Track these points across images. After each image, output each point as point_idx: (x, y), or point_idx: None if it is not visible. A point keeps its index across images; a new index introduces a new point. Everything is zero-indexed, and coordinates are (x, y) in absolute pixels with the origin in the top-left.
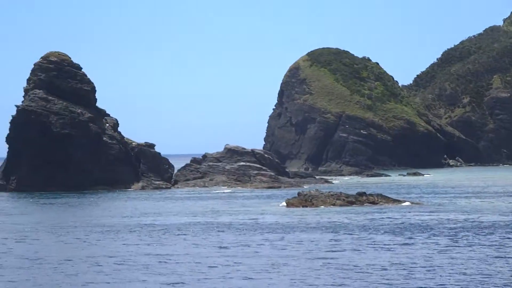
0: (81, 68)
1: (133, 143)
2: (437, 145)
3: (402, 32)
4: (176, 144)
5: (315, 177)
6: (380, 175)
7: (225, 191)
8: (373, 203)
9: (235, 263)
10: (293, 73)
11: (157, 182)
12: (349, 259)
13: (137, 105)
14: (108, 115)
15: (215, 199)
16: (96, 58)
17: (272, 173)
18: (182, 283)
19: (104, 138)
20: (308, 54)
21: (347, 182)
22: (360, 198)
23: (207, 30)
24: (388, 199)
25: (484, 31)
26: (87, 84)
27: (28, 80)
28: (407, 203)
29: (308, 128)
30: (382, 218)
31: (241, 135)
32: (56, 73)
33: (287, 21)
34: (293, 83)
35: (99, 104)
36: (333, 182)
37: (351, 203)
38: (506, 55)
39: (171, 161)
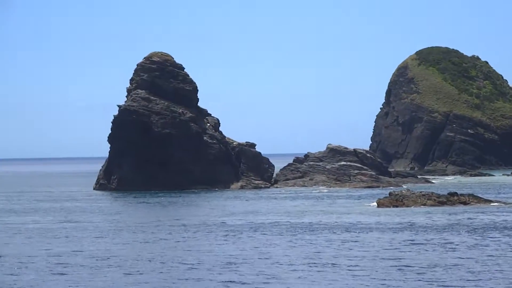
0: (184, 68)
1: (234, 143)
2: None
3: None
4: (281, 144)
5: (416, 177)
6: (484, 174)
7: (322, 191)
8: (464, 203)
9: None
10: (401, 72)
11: (257, 182)
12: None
13: (242, 104)
14: (210, 114)
15: (308, 199)
16: (201, 57)
17: (373, 173)
18: (243, 282)
19: (205, 138)
20: (417, 53)
21: (448, 181)
22: (451, 198)
23: (316, 29)
24: (479, 199)
25: None
26: (189, 84)
27: (131, 80)
28: (497, 204)
29: (415, 127)
30: (469, 218)
31: (348, 135)
32: (159, 73)
33: (397, 20)
34: (401, 82)
35: (202, 104)
36: (434, 182)
37: (442, 203)
38: None
39: (274, 160)
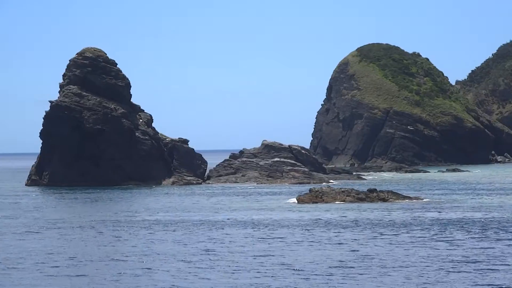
0: (116, 64)
1: (167, 139)
2: (485, 141)
3: (458, 27)
4: (225, 141)
5: (351, 173)
6: (419, 171)
7: (250, 187)
8: (383, 199)
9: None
10: (342, 68)
11: (189, 178)
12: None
13: (183, 100)
14: (143, 110)
15: (232, 195)
16: (136, 54)
17: (306, 169)
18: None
19: (137, 134)
20: (358, 49)
21: (381, 178)
22: (370, 195)
23: (255, 24)
24: (398, 196)
25: None
26: (122, 80)
27: (63, 76)
28: (416, 200)
29: (355, 123)
30: (378, 214)
31: (290, 131)
32: (91, 69)
33: (338, 17)
34: (341, 78)
35: (138, 100)
36: (367, 178)
37: (361, 200)
38: None
39: (216, 157)
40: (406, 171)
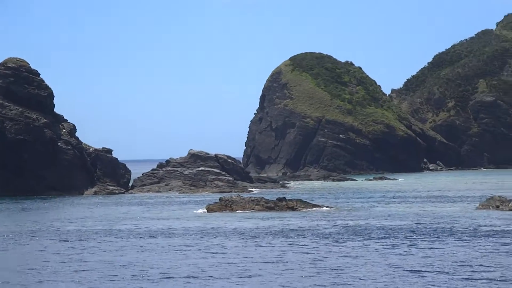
0: (39, 74)
1: (90, 149)
2: (417, 150)
3: (394, 37)
4: (159, 151)
5: (277, 182)
6: (346, 179)
7: (171, 196)
8: (292, 208)
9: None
10: (275, 77)
11: (112, 187)
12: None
13: (117, 112)
14: (66, 120)
15: (147, 204)
16: (60, 64)
17: (231, 178)
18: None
19: (59, 144)
20: (291, 58)
21: (306, 186)
22: (279, 204)
23: (183, 33)
24: (307, 204)
25: (476, 35)
26: (45, 90)
27: None
28: (324, 208)
29: (287, 132)
30: (277, 223)
31: (225, 140)
32: (13, 79)
33: (271, 26)
34: (274, 87)
35: (63, 111)
36: (292, 187)
37: (270, 209)
38: (496, 59)
39: (144, 166)
40: (333, 180)
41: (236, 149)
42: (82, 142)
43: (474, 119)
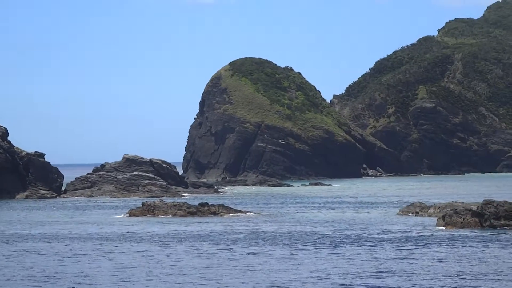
0: None
1: (23, 153)
2: (357, 155)
3: (337, 42)
4: (95, 155)
5: (212, 187)
6: (282, 185)
7: (100, 200)
8: (214, 213)
9: None
10: (215, 82)
11: (43, 192)
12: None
13: (56, 116)
14: None
15: (67, 209)
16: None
17: (164, 183)
18: None
19: None
20: (231, 63)
21: (240, 191)
22: (201, 209)
23: (122, 33)
24: (230, 210)
25: (417, 41)
26: None
27: None
28: (246, 214)
29: (227, 137)
30: (195, 227)
31: (165, 145)
32: None
33: (211, 31)
34: (214, 92)
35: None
36: (226, 192)
37: (192, 214)
38: (437, 65)
39: (82, 170)
40: (269, 185)
41: (177, 154)
42: (14, 146)
43: (414, 125)
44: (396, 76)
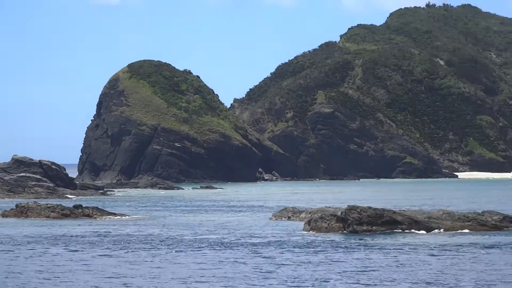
0: None
1: None
2: (253, 159)
3: (239, 46)
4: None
5: (102, 189)
6: (173, 188)
7: None
8: (88, 216)
9: None
10: (113, 84)
11: None
12: None
13: None
14: None
15: None
16: None
17: (51, 185)
18: None
19: None
20: (129, 66)
21: (128, 194)
22: (75, 211)
23: (15, 33)
24: (103, 212)
25: (319, 46)
26: None
27: None
28: (118, 217)
29: (123, 139)
30: (58, 229)
31: (62, 146)
32: None
33: (109, 33)
34: (112, 94)
35: None
36: (110, 194)
37: (66, 216)
38: (338, 71)
39: None
40: (160, 188)
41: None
42: None
43: (312, 130)
44: (297, 81)
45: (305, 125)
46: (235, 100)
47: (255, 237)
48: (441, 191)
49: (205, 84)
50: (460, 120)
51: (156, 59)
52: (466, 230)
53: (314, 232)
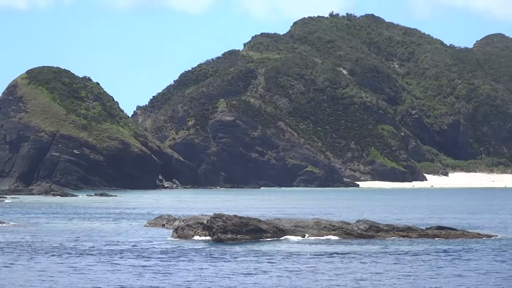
0: None
1: None
2: (152, 167)
3: (144, 53)
4: None
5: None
6: (66, 195)
7: None
8: None
9: None
10: (11, 90)
11: None
12: None
13: None
14: None
15: None
16: None
17: None
18: None
19: None
20: (28, 72)
21: (20, 201)
22: None
23: None
24: None
25: (222, 54)
26: None
27: None
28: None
29: (21, 146)
30: None
31: None
32: None
33: (8, 38)
34: (10, 100)
35: None
36: (7, 201)
37: None
38: (241, 79)
39: None
40: (54, 195)
41: None
42: None
43: (213, 138)
44: (200, 89)
45: (207, 133)
46: (138, 108)
47: (116, 244)
48: (331, 200)
49: (105, 91)
50: (362, 129)
51: (56, 66)
52: (332, 238)
53: (179, 240)
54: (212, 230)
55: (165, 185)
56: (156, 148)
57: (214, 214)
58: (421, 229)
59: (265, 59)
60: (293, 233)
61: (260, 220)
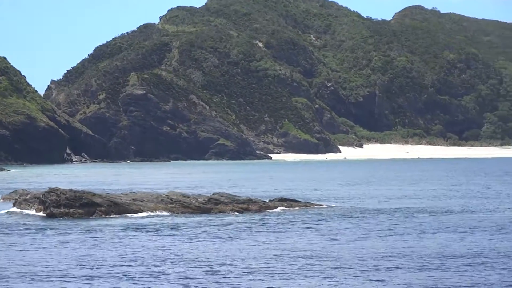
0: None
1: None
2: (60, 141)
3: (58, 27)
4: None
5: None
6: None
7: None
8: None
9: None
10: None
11: None
12: None
13: None
14: None
15: None
16: None
17: None
18: None
19: None
20: None
21: None
22: None
23: None
24: None
25: (138, 28)
26: None
27: None
28: None
29: None
30: None
31: None
32: None
33: None
34: None
35: None
36: None
37: None
38: (155, 52)
39: None
40: None
41: None
42: None
43: (124, 112)
44: (114, 63)
45: (117, 106)
46: (52, 82)
47: None
48: (223, 173)
49: (12, 66)
50: (276, 102)
51: None
52: (165, 213)
53: (14, 215)
54: (45, 205)
55: (74, 160)
56: (64, 122)
57: (49, 188)
58: (263, 201)
59: (180, 32)
60: (127, 207)
61: (94, 194)
